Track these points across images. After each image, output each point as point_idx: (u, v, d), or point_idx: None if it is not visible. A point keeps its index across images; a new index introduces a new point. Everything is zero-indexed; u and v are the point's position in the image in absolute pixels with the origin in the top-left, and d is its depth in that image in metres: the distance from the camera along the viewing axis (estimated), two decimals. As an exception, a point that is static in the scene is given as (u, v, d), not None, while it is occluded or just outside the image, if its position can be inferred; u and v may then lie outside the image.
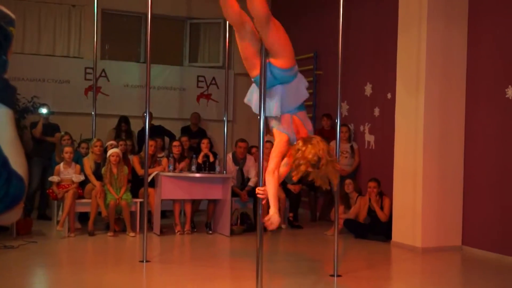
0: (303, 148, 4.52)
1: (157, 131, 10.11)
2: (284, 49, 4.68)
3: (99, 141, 8.63)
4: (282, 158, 4.77)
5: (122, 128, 10.20)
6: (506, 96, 7.12)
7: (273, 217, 4.56)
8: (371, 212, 8.33)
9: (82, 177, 8.27)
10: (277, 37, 4.62)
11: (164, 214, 9.35)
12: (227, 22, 8.04)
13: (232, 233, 8.33)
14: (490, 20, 7.46)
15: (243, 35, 4.83)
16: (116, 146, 8.57)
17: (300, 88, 4.82)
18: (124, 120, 10.28)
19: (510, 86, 7.08)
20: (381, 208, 8.25)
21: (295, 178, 4.73)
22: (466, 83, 7.74)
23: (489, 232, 7.32)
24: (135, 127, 10.46)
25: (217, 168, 8.52)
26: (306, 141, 4.58)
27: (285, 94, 4.71)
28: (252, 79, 4.97)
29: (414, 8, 7.69)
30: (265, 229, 4.88)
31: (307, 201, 10.27)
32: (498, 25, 7.34)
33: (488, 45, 7.47)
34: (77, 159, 8.54)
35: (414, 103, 7.66)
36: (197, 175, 8.34)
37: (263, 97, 4.72)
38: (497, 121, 7.27)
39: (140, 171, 8.54)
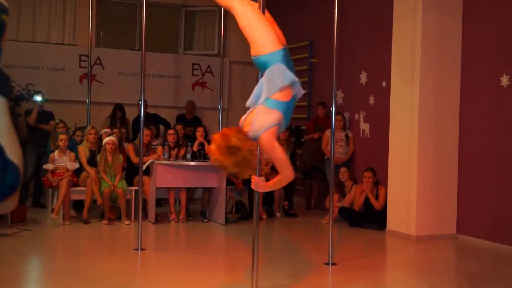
0: None
1: (152, 119, 10.09)
2: (252, 35, 4.24)
3: (94, 129, 8.61)
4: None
5: (117, 116, 10.16)
6: (501, 84, 7.12)
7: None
8: (366, 200, 8.35)
9: (77, 165, 8.25)
10: (244, 22, 4.26)
11: (159, 202, 9.36)
12: (222, 10, 8.04)
13: (227, 221, 8.34)
14: (485, 8, 7.45)
15: None
16: (111, 134, 8.56)
17: (273, 79, 4.14)
18: (119, 108, 10.23)
19: (504, 74, 7.08)
20: (377, 197, 8.27)
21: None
22: (461, 71, 7.74)
23: (484, 221, 7.35)
24: (130, 115, 10.42)
25: (212, 156, 8.49)
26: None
27: (261, 85, 4.22)
28: None
29: (410, -4, 7.67)
30: (250, 189, 4.54)
31: (302, 189, 10.28)
32: (493, 14, 7.33)
33: (482, 33, 7.46)
34: (72, 147, 8.52)
35: (409, 91, 7.66)
36: (192, 163, 8.34)
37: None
38: (492, 109, 7.28)
39: (135, 159, 8.53)
